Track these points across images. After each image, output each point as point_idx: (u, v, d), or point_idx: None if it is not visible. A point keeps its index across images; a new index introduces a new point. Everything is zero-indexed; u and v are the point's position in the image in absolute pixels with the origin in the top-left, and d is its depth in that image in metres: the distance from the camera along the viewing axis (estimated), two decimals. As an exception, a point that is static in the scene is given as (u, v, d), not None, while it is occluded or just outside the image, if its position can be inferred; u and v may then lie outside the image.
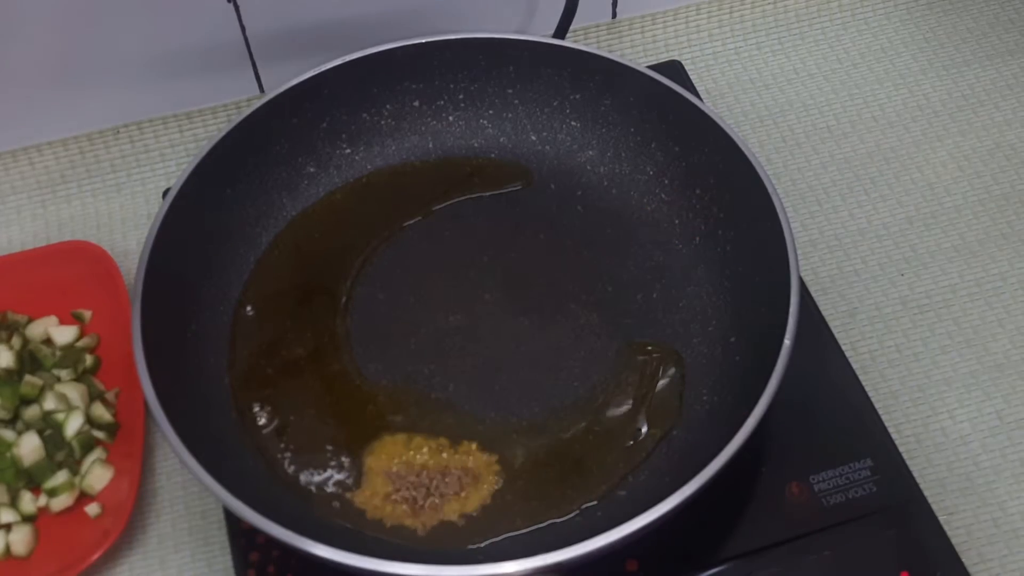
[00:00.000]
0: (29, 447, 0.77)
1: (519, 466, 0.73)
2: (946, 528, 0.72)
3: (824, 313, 0.82)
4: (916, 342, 0.84)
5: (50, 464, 0.77)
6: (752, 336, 0.74)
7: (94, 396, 0.81)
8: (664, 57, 1.02)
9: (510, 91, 0.87)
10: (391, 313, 0.80)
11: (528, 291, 0.81)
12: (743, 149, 0.76)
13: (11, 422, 0.80)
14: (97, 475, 0.77)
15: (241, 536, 0.73)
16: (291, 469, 0.73)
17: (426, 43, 0.84)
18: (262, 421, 0.75)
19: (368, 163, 0.88)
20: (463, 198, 0.86)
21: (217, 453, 0.68)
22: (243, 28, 0.92)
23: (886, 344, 0.84)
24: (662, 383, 0.76)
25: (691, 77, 0.96)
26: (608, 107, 0.85)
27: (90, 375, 0.83)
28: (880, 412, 0.76)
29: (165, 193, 0.79)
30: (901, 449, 0.75)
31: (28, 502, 0.77)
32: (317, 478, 0.72)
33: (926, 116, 0.98)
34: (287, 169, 0.85)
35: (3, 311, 0.86)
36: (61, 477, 0.77)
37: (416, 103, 0.88)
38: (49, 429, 0.79)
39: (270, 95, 0.82)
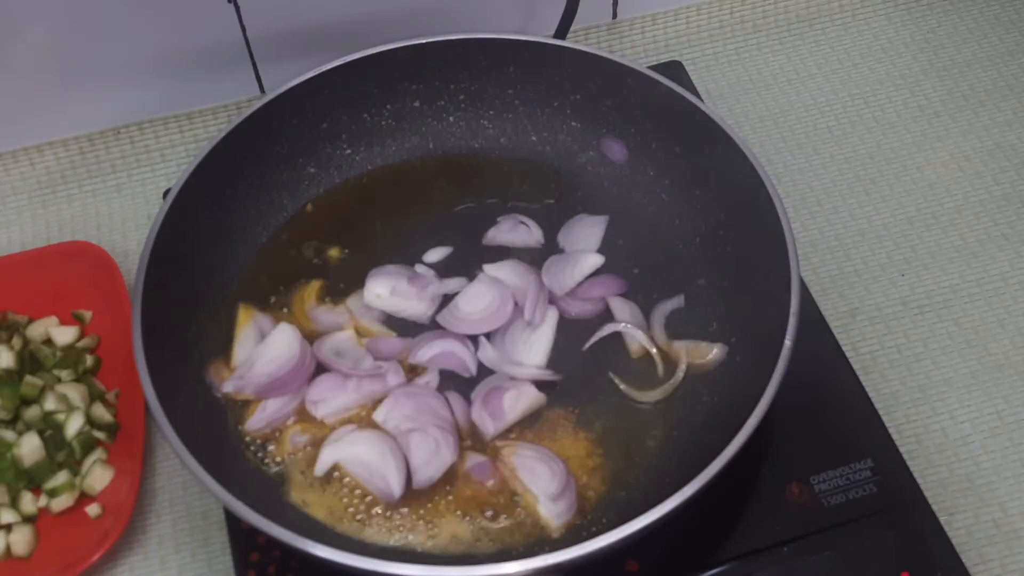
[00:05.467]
0: (30, 447, 0.77)
1: (519, 466, 0.73)
2: (946, 528, 0.72)
3: (824, 314, 0.82)
4: (917, 343, 0.84)
5: (51, 464, 0.77)
6: (752, 336, 0.74)
7: (94, 396, 0.81)
8: (665, 58, 1.02)
9: (510, 91, 0.87)
10: (391, 313, 0.81)
11: (528, 291, 0.81)
12: (744, 150, 0.76)
13: (11, 422, 0.80)
14: (97, 475, 0.77)
15: (242, 536, 0.73)
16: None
17: (426, 43, 0.84)
18: (262, 421, 0.75)
19: (368, 163, 0.88)
20: (473, 203, 0.86)
21: (217, 453, 0.68)
22: (243, 28, 0.92)
23: (887, 344, 0.84)
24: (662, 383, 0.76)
25: (692, 78, 0.96)
26: (608, 108, 0.85)
27: (90, 375, 0.83)
28: (881, 413, 0.76)
29: (165, 194, 0.79)
30: (902, 450, 0.75)
31: (29, 502, 0.77)
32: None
33: (927, 117, 0.98)
34: (287, 169, 0.85)
35: (3, 311, 0.86)
36: (61, 477, 0.77)
37: (416, 103, 0.88)
38: (49, 429, 0.79)
39: (270, 95, 0.82)
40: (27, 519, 0.76)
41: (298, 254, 0.83)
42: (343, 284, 0.81)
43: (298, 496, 0.71)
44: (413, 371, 0.76)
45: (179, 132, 0.98)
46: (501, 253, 0.83)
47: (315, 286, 0.81)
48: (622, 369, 0.76)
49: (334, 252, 0.83)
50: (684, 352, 0.76)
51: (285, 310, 0.80)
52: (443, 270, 0.82)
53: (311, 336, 0.78)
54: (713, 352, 0.76)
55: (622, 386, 0.75)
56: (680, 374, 0.75)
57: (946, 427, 0.80)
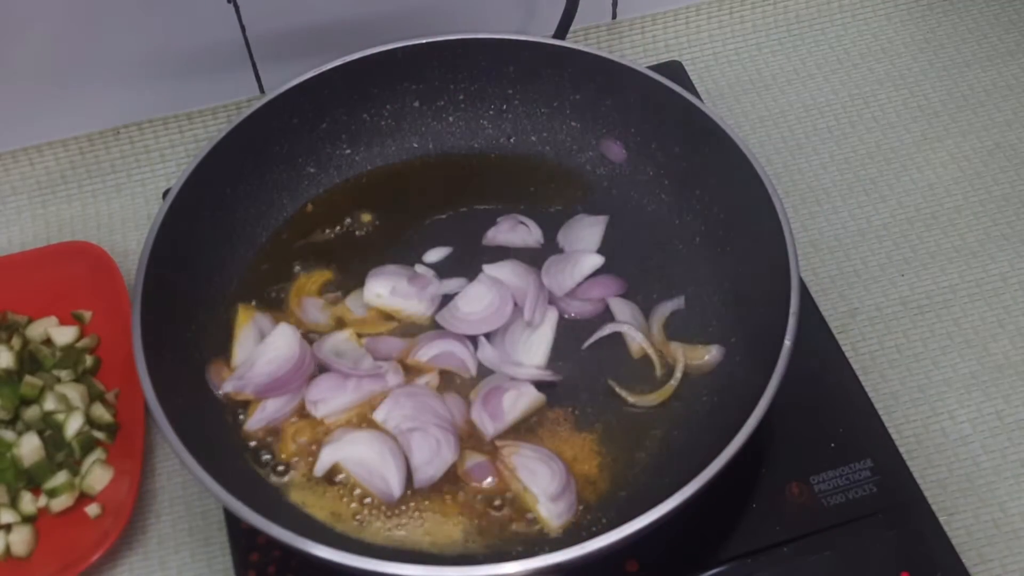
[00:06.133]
0: (29, 447, 0.77)
1: (519, 466, 0.73)
2: (946, 528, 0.72)
3: (824, 314, 0.82)
4: (916, 343, 0.84)
5: (50, 464, 0.77)
6: (752, 336, 0.74)
7: (94, 397, 0.81)
8: (664, 58, 1.02)
9: (510, 91, 0.87)
10: (391, 313, 0.81)
11: (528, 291, 0.81)
12: (743, 150, 0.76)
13: (11, 422, 0.80)
14: (97, 475, 0.77)
15: (241, 536, 0.73)
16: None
17: (426, 43, 0.84)
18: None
19: (368, 163, 0.88)
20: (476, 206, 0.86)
21: (217, 453, 0.68)
22: (243, 28, 0.92)
23: (886, 345, 0.84)
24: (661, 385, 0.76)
25: (691, 78, 0.96)
26: (608, 108, 0.85)
27: (90, 376, 0.83)
28: (880, 412, 0.76)
29: (165, 194, 0.79)
30: (901, 449, 0.75)
31: (28, 502, 0.77)
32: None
33: (926, 117, 0.98)
34: (287, 169, 0.85)
35: (3, 311, 0.86)
36: (61, 478, 0.77)
37: (416, 103, 0.88)
38: (49, 430, 0.79)
39: (270, 95, 0.82)
40: (27, 519, 0.76)
41: (298, 254, 0.83)
42: (342, 283, 0.81)
43: (298, 496, 0.71)
44: (413, 371, 0.76)
45: (179, 132, 0.98)
46: (501, 253, 0.83)
47: (318, 278, 0.81)
48: (622, 370, 0.76)
49: (334, 251, 0.83)
50: (681, 353, 0.76)
51: (283, 294, 0.80)
52: (443, 270, 0.82)
53: (301, 327, 0.78)
54: (711, 353, 0.76)
55: (621, 391, 0.75)
56: (677, 376, 0.75)
57: (946, 427, 0.80)
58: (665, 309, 0.79)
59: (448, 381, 0.76)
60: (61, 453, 0.78)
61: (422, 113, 0.88)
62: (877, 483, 0.72)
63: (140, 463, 0.77)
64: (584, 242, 0.83)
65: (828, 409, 0.76)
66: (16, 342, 0.83)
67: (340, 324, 0.79)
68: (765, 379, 0.66)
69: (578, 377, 0.76)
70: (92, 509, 0.76)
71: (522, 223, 0.84)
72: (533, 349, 0.77)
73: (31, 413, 0.80)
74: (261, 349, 0.76)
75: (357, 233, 0.84)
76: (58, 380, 0.81)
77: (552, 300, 0.80)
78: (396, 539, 0.69)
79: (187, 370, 0.75)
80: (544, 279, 0.81)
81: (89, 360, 0.83)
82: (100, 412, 0.80)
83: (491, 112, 0.89)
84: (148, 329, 0.70)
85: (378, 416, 0.74)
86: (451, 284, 0.81)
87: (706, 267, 0.80)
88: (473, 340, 0.78)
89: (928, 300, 0.86)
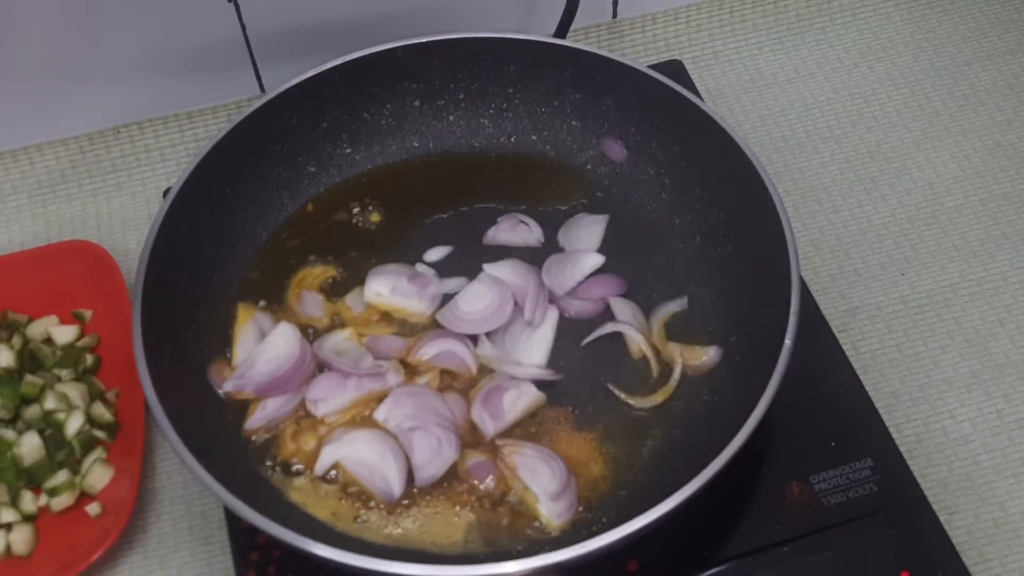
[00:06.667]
0: (30, 447, 0.77)
1: (519, 466, 0.73)
2: (947, 528, 0.72)
3: (825, 313, 0.82)
4: (917, 342, 0.84)
5: (51, 464, 0.77)
6: (753, 336, 0.74)
7: (94, 396, 0.81)
8: (665, 57, 1.02)
9: (511, 91, 0.87)
10: (391, 313, 0.81)
11: (528, 291, 0.81)
12: (744, 149, 0.76)
13: (12, 422, 0.80)
14: (97, 474, 0.77)
15: (241, 536, 0.73)
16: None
17: (426, 43, 0.84)
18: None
19: (368, 162, 0.88)
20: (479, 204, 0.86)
21: (217, 452, 0.68)
22: (243, 27, 0.92)
23: (887, 344, 0.84)
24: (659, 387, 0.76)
25: (692, 77, 0.96)
26: (609, 107, 0.85)
27: (90, 375, 0.83)
28: (881, 412, 0.76)
29: (165, 193, 0.79)
30: (902, 449, 0.75)
31: (29, 501, 0.77)
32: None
33: (927, 116, 0.98)
34: (287, 168, 0.85)
35: (3, 311, 0.86)
36: (62, 477, 0.77)
37: (416, 103, 0.88)
38: (50, 429, 0.79)
39: (270, 95, 0.82)
40: (27, 518, 0.76)
41: (298, 253, 0.83)
42: (342, 281, 0.81)
43: (298, 495, 0.71)
44: (413, 370, 0.76)
45: (179, 131, 0.98)
46: (501, 252, 0.83)
47: (320, 273, 0.81)
48: (622, 371, 0.76)
49: (334, 250, 0.83)
50: (679, 354, 0.76)
51: (283, 293, 0.80)
52: (443, 269, 0.82)
53: (298, 319, 0.78)
54: (708, 354, 0.76)
55: (620, 394, 0.75)
56: (676, 377, 0.75)
57: (946, 426, 0.80)
58: (666, 309, 0.79)
59: (448, 380, 0.76)
60: (61, 452, 0.78)
61: (422, 112, 0.88)
62: (877, 482, 0.72)
63: (140, 462, 0.77)
64: (584, 241, 0.83)
65: (828, 409, 0.76)
66: (16, 341, 0.83)
67: (338, 320, 0.79)
68: (765, 379, 0.66)
69: (579, 377, 0.76)
70: (92, 508, 0.76)
71: (522, 222, 0.84)
72: (534, 348, 0.77)
73: (31, 412, 0.80)
74: (261, 348, 0.76)
75: (357, 232, 0.85)
76: (58, 379, 0.81)
77: (553, 299, 0.80)
78: (396, 538, 0.69)
79: (187, 369, 0.75)
80: (544, 278, 0.81)
81: (89, 359, 0.83)
82: (100, 411, 0.80)
83: (491, 111, 0.89)
84: (148, 328, 0.70)
85: (379, 415, 0.74)
86: (451, 283, 0.81)
87: (706, 267, 0.80)
88: (473, 339, 0.78)
89: (929, 299, 0.86)
